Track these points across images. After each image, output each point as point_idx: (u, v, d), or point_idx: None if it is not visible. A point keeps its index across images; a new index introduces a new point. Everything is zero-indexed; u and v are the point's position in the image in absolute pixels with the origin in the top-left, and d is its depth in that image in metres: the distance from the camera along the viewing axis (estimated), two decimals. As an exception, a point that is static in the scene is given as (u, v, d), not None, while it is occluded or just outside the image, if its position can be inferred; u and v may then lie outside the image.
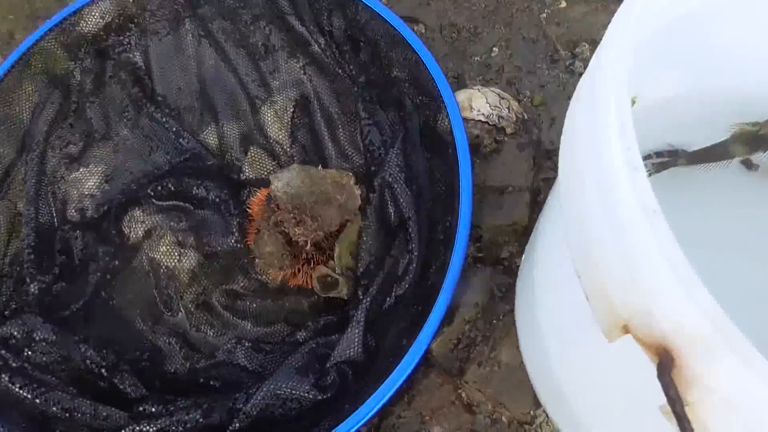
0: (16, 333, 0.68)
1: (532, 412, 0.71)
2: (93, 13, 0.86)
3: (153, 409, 0.66)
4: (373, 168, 0.79)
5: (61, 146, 0.85)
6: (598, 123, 0.39)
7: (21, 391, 0.63)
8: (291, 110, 0.85)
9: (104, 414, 0.64)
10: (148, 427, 0.63)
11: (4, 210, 0.78)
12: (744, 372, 0.31)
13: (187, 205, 0.82)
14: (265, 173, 0.84)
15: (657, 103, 0.59)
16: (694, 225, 0.52)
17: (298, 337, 0.74)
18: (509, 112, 0.84)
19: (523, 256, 0.76)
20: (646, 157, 0.64)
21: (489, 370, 0.72)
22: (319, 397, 0.62)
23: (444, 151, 0.77)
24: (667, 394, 0.34)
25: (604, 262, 0.39)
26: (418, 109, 0.81)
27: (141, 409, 0.66)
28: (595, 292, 0.41)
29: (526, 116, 0.87)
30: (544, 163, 0.86)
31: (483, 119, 0.82)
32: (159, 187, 0.81)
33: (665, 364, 0.35)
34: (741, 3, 0.52)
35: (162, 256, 0.80)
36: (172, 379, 0.73)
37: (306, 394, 0.62)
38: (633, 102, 0.57)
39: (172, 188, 0.81)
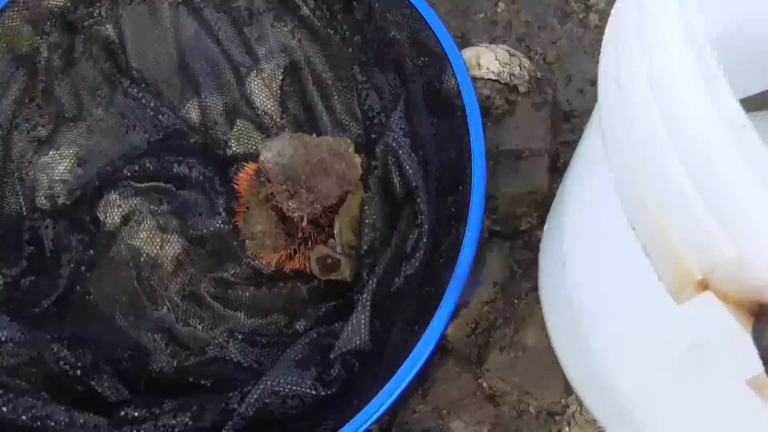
0: (-23, 333, 0.62)
1: (563, 401, 0.66)
2: (58, -17, 0.78)
3: (136, 414, 0.62)
4: (373, 136, 0.74)
5: (28, 129, 0.79)
6: (658, 30, 0.31)
7: (-16, 399, 0.58)
8: (280, 78, 0.79)
9: (81, 421, 0.60)
10: (131, 433, 0.58)
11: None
12: None
13: (168, 185, 0.76)
14: (254, 148, 0.78)
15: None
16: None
17: (297, 327, 0.70)
18: (521, 70, 0.77)
19: (546, 226, 0.68)
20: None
21: (512, 356, 0.67)
22: (323, 393, 0.58)
23: (451, 115, 0.71)
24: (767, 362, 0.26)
25: (671, 204, 0.30)
26: (420, 70, 0.74)
27: (123, 413, 0.62)
28: (658, 245, 0.33)
29: (539, 74, 0.79)
30: (562, 125, 0.80)
31: (493, 77, 0.75)
32: (136, 167, 0.75)
33: (764, 324, 0.26)
34: None
35: (142, 243, 0.75)
36: (158, 379, 0.68)
37: (308, 390, 0.58)
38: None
39: (151, 167, 0.75)
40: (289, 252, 0.68)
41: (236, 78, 0.81)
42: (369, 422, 0.57)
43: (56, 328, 0.68)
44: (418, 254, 0.64)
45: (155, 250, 0.75)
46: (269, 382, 0.58)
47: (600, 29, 0.85)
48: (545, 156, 0.74)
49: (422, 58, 0.75)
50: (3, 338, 0.63)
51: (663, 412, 0.47)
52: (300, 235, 0.67)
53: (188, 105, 0.82)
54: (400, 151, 0.66)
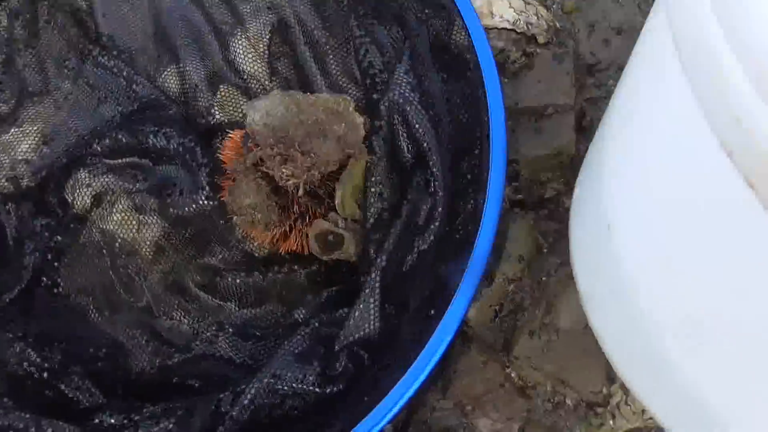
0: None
1: (605, 390, 0.63)
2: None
3: (112, 420, 0.58)
4: (375, 96, 0.67)
5: (-14, 106, 0.76)
6: None
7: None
8: (267, 37, 0.74)
9: (49, 430, 0.56)
10: (106, 443, 0.56)
11: None
12: None
13: (143, 160, 0.71)
14: (240, 115, 0.72)
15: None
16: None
17: (296, 316, 0.67)
18: (538, 19, 0.70)
19: (576, 191, 0.63)
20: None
21: (544, 341, 0.64)
22: (328, 391, 0.54)
23: (462, 71, 0.67)
24: None
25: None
26: (425, 22, 0.69)
27: (97, 421, 0.58)
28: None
29: (558, 25, 0.74)
30: (587, 80, 0.75)
31: (508, 26, 0.70)
32: (108, 142, 0.71)
33: None
34: None
35: (116, 227, 0.70)
36: (138, 381, 0.65)
37: (310, 388, 0.54)
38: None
39: (124, 140, 0.70)
40: (284, 229, 0.63)
41: (218, 40, 0.75)
42: (382, 423, 0.53)
43: (20, 325, 0.65)
44: (432, 226, 0.59)
45: (131, 234, 0.70)
46: (265, 380, 0.55)
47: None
48: (570, 113, 0.70)
49: (426, 11, 0.70)
50: (-44, 339, 0.60)
51: (748, 400, 0.39)
52: (296, 209, 0.62)
53: (166, 73, 0.77)
54: (408, 108, 0.60)
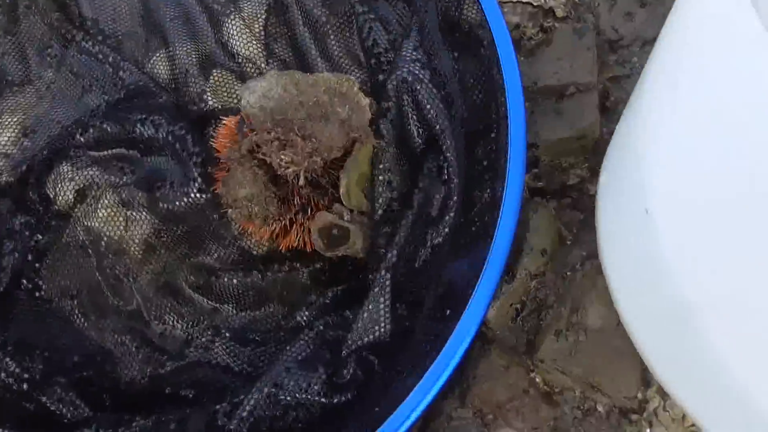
0: None
1: (640, 395, 0.59)
2: None
3: None
4: (381, 77, 0.65)
5: (-38, 97, 0.74)
6: None
7: None
8: (263, 17, 0.71)
9: None
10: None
11: None
12: None
13: (131, 151, 0.68)
14: (235, 101, 0.70)
15: None
16: None
17: (299, 318, 0.64)
18: None
19: (602, 176, 0.60)
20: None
21: (572, 341, 0.61)
22: (335, 401, 0.53)
23: (474, 49, 0.65)
24: None
25: None
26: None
27: None
28: None
29: None
30: (609, 56, 0.71)
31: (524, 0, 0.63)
32: (92, 132, 0.68)
33: None
34: None
35: (102, 224, 0.66)
36: (127, 391, 0.63)
37: (316, 398, 0.53)
38: None
39: (110, 130, 0.67)
40: (284, 224, 0.59)
41: (211, 21, 0.73)
42: (396, 435, 0.52)
43: (-2, 332, 0.64)
44: (446, 218, 0.58)
45: (118, 232, 0.67)
46: (266, 390, 0.53)
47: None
48: (593, 92, 0.66)
49: (435, -18, 0.69)
50: (-72, 348, 0.59)
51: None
52: (296, 200, 0.59)
53: (155, 58, 0.74)
54: (419, 86, 0.57)
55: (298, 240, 0.62)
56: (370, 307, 0.54)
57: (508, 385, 0.62)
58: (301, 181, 0.54)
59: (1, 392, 0.58)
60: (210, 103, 0.70)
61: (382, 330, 0.54)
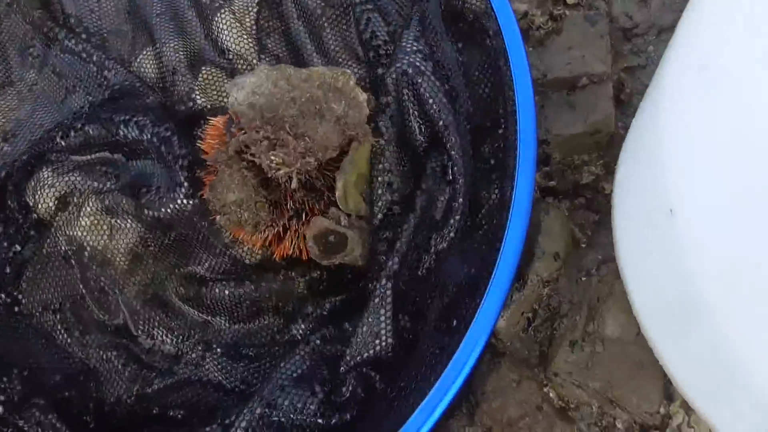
0: None
1: (662, 410, 0.57)
2: None
3: None
4: (380, 71, 0.62)
5: (-62, 101, 0.72)
6: None
7: None
8: (254, 10, 0.68)
9: None
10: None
11: None
12: None
13: (116, 155, 0.65)
14: (225, 100, 0.67)
15: None
16: None
17: (295, 331, 0.62)
18: None
19: (619, 172, 0.57)
20: None
21: (588, 353, 0.59)
22: (333, 421, 0.51)
23: (479, 40, 0.63)
24: None
25: None
26: None
27: None
28: None
29: None
30: (623, 46, 0.68)
31: None
32: (73, 135, 0.65)
33: None
34: None
35: (85, 233, 0.64)
36: (113, 412, 0.60)
37: (312, 419, 0.51)
38: None
39: (92, 132, 0.64)
40: (277, 230, 0.56)
41: (200, 15, 0.70)
42: (400, 458, 0.49)
43: (-27, 350, 0.61)
44: (452, 221, 0.56)
45: (103, 241, 0.64)
46: (258, 410, 0.51)
47: None
48: (608, 83, 0.63)
49: (436, -30, 0.66)
50: None
51: None
52: (290, 204, 0.56)
53: (141, 56, 0.72)
54: (420, 80, 0.54)
55: (293, 247, 0.59)
56: (370, 319, 0.52)
57: (519, 402, 0.60)
58: (294, 184, 0.51)
59: (-24, 415, 0.55)
60: (199, 102, 0.67)
61: (383, 344, 0.52)
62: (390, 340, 0.52)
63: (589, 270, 0.61)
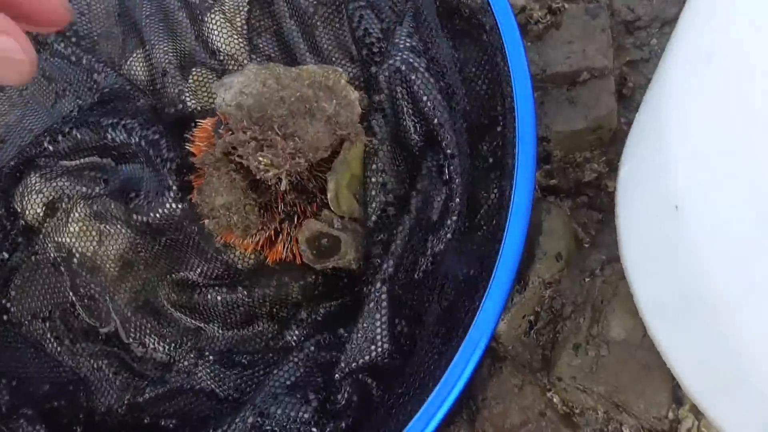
0: None
1: (671, 414, 0.55)
2: None
3: None
4: (373, 70, 0.60)
5: (-75, 107, 0.71)
6: None
7: None
8: (245, 10, 0.67)
9: None
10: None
11: None
12: None
13: (105, 159, 0.64)
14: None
15: None
16: None
17: (289, 337, 0.61)
18: None
19: (623, 168, 0.55)
20: None
21: (592, 356, 0.57)
22: (329, 429, 0.50)
23: (476, 35, 0.62)
24: None
25: None
26: None
27: None
28: None
29: None
30: (625, 39, 0.66)
31: None
32: (61, 138, 0.63)
33: None
34: None
35: (74, 239, 0.62)
36: (103, 422, 0.59)
37: (306, 427, 0.50)
38: None
39: (80, 137, 0.63)
40: (269, 234, 0.54)
41: (190, 17, 0.69)
42: (397, 468, 0.48)
43: (-40, 360, 0.60)
44: (448, 222, 0.54)
45: (92, 248, 0.62)
46: (250, 419, 0.51)
47: None
48: (609, 78, 0.61)
49: (429, -35, 0.65)
50: None
51: None
52: (280, 207, 0.54)
53: (131, 58, 0.70)
54: (413, 77, 0.52)
55: (286, 252, 0.57)
56: (365, 324, 0.51)
57: (522, 407, 0.58)
58: (284, 186, 0.49)
59: (-38, 427, 0.54)
60: (189, 104, 0.65)
61: (380, 349, 0.51)
62: (386, 346, 0.51)
63: (593, 271, 0.59)
